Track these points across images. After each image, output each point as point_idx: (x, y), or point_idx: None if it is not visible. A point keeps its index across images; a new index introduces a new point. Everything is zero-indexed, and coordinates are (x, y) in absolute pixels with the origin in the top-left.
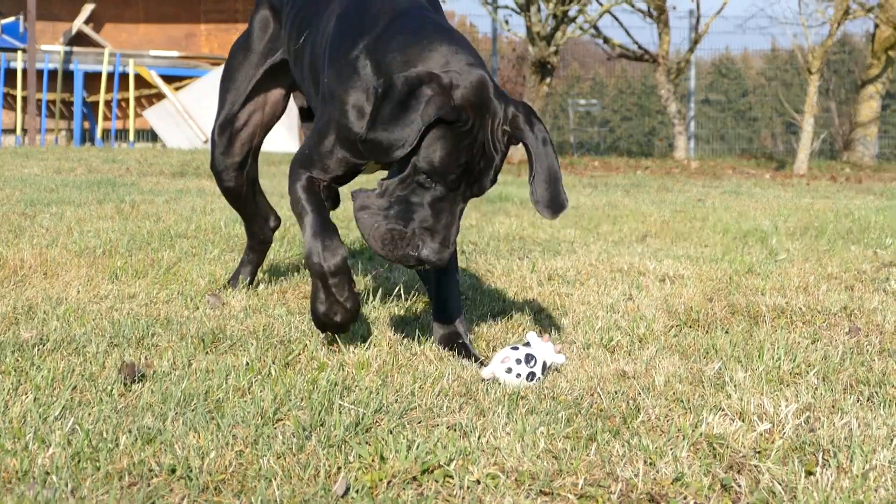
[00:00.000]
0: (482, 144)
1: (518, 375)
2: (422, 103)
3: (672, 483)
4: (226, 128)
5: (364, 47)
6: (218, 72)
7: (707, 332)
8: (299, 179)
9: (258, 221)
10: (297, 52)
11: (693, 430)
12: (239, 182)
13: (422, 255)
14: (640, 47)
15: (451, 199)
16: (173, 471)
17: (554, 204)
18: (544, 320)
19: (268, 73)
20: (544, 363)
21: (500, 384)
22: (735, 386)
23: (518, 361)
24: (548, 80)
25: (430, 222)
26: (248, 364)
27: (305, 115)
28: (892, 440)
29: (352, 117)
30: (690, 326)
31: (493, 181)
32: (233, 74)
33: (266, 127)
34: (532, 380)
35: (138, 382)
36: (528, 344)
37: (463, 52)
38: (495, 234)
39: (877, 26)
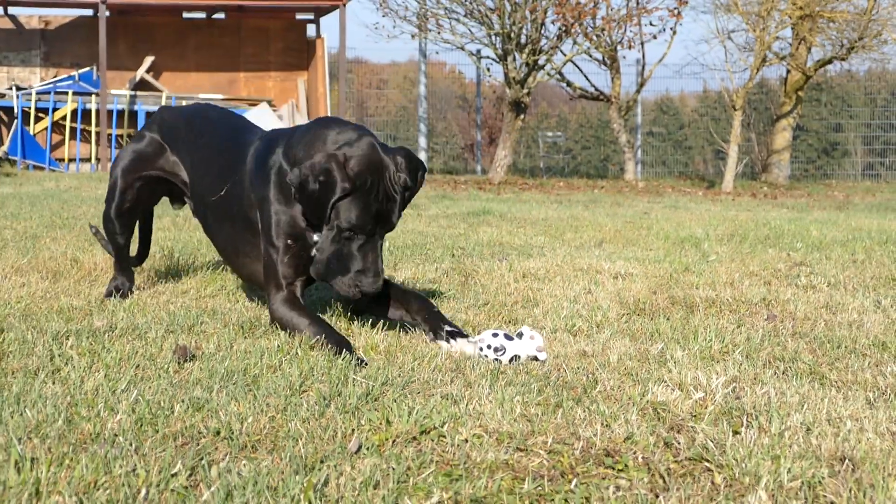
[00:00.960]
0: (385, 193)
1: (484, 357)
2: (325, 189)
3: (624, 441)
4: (120, 215)
5: (279, 154)
6: (255, 111)
7: (652, 319)
8: (277, 299)
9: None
10: (215, 203)
11: (641, 398)
12: (126, 238)
13: (364, 291)
14: (596, 89)
15: (371, 241)
16: (218, 433)
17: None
18: (520, 310)
19: (152, 178)
20: (516, 356)
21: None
22: (675, 362)
23: (489, 346)
24: (522, 116)
25: (360, 265)
26: (278, 346)
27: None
28: (803, 406)
29: (282, 204)
30: (638, 314)
31: (399, 216)
32: (125, 171)
33: (148, 206)
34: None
35: (189, 362)
36: (517, 336)
37: (348, 128)
38: (479, 240)
39: (788, 71)
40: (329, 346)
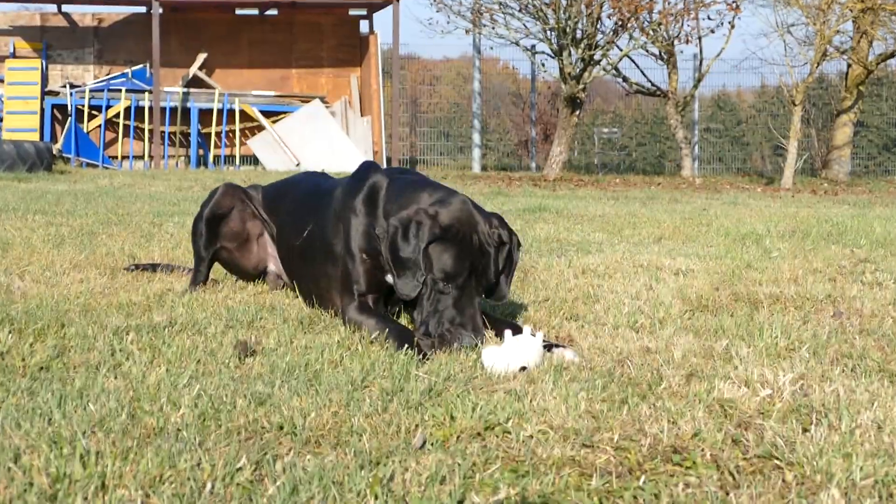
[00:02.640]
0: (478, 245)
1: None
2: (416, 236)
3: (692, 438)
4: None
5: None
6: (307, 108)
7: (715, 315)
8: (350, 307)
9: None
10: (296, 247)
11: (707, 395)
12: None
13: (464, 344)
14: (652, 85)
15: (467, 295)
16: (281, 427)
17: (498, 296)
18: (580, 306)
19: (255, 215)
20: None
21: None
22: (740, 359)
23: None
24: (577, 112)
25: (459, 318)
26: (339, 342)
27: None
28: (873, 403)
29: (362, 216)
30: (701, 311)
31: (496, 273)
32: (230, 186)
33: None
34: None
35: (250, 357)
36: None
37: (440, 189)
38: (536, 236)
39: (849, 66)
40: (392, 340)
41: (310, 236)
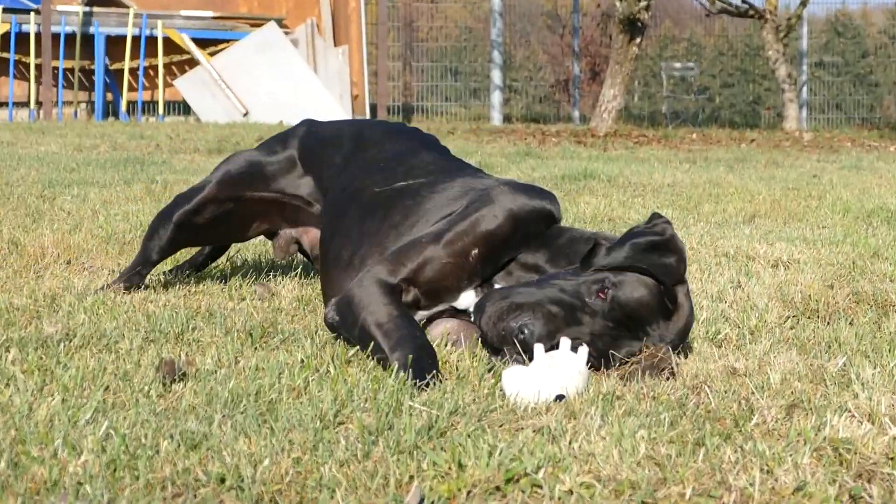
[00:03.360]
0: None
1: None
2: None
3: (793, 493)
4: (182, 225)
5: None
6: (259, 35)
7: (828, 323)
8: (370, 277)
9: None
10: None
11: (816, 434)
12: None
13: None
14: (743, 1)
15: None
16: (223, 480)
17: None
18: None
19: (260, 201)
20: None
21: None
22: (863, 384)
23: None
24: (637, 40)
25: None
26: (303, 361)
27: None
28: None
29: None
30: (809, 317)
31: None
32: (224, 181)
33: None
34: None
35: (179, 382)
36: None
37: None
38: (579, 214)
39: None
40: (403, 345)
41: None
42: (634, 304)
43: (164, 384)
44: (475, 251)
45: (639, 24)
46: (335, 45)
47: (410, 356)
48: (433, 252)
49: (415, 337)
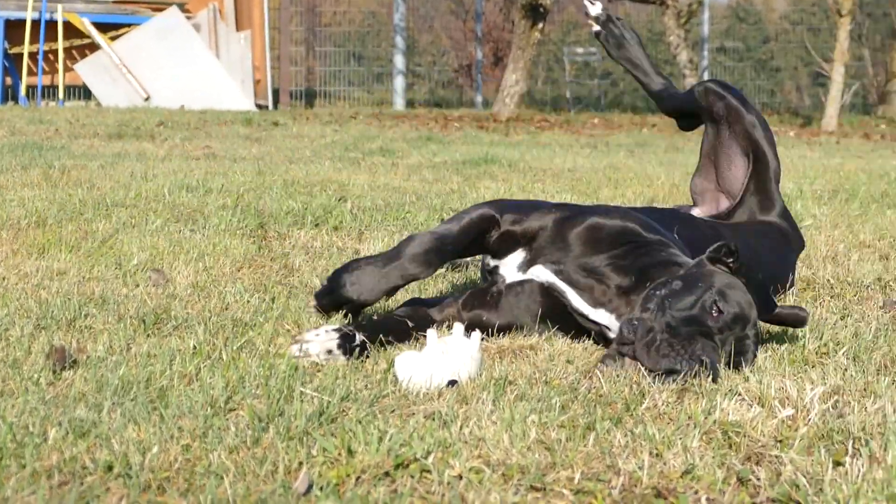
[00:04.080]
0: None
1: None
2: None
3: (681, 476)
4: None
5: None
6: (161, 19)
7: None
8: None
9: None
10: None
11: (705, 418)
12: None
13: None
14: None
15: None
16: (110, 468)
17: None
18: None
19: None
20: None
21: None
22: (754, 368)
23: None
24: (540, 25)
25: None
26: (195, 347)
27: None
28: None
29: None
30: None
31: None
32: None
33: None
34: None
35: (69, 369)
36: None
37: None
38: (479, 199)
39: None
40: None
41: None
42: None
43: (54, 372)
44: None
45: (541, 9)
46: (237, 30)
47: (406, 248)
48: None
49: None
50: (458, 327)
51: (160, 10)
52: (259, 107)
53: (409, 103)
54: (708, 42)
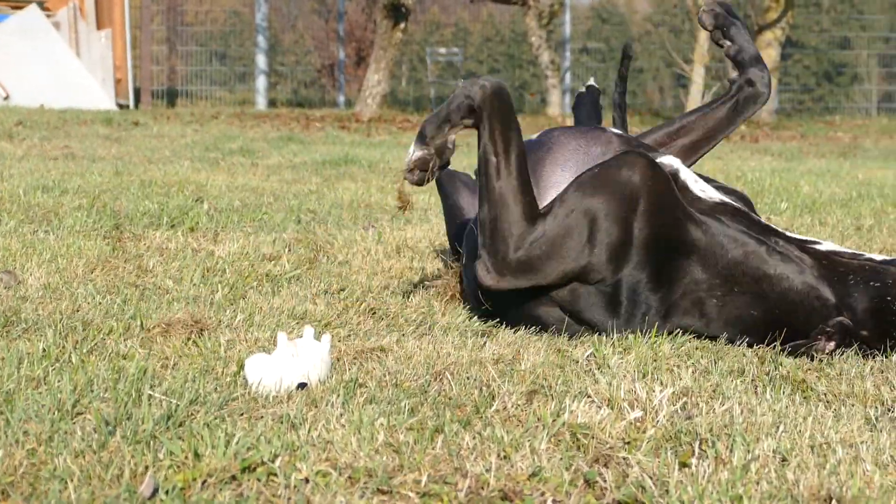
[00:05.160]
0: None
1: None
2: None
3: (528, 478)
4: None
5: None
6: (20, 18)
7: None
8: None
9: None
10: None
11: (554, 420)
12: None
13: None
14: None
15: None
16: None
17: None
18: (389, 298)
19: None
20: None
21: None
22: (605, 370)
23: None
24: (402, 25)
25: None
26: (44, 350)
27: None
28: (777, 427)
29: None
30: None
31: None
32: None
33: None
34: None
35: None
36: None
37: None
38: (338, 201)
39: None
40: None
41: None
42: None
43: None
44: None
45: (403, 9)
46: (98, 29)
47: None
48: None
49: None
50: (309, 330)
51: (20, 8)
52: (120, 106)
53: (272, 103)
54: (570, 43)
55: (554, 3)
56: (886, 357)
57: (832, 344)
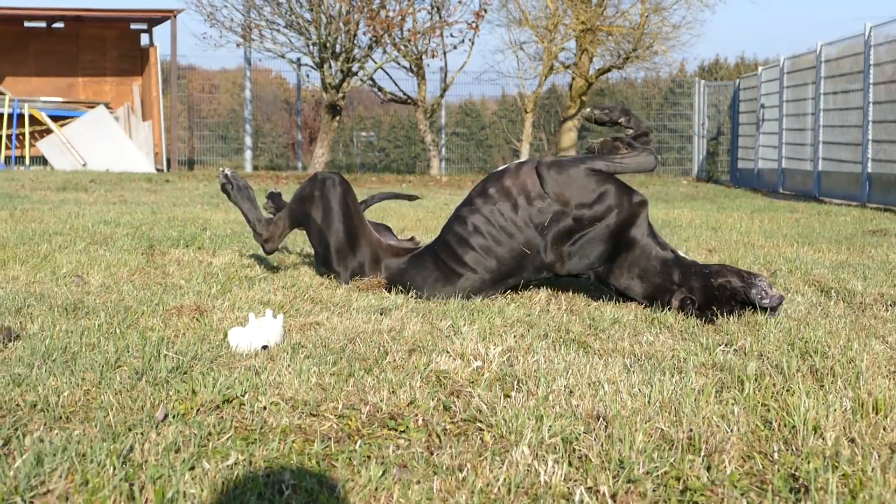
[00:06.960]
0: None
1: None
2: None
3: (408, 405)
4: None
5: None
6: (93, 113)
7: (443, 303)
8: None
9: None
10: None
11: (425, 367)
12: None
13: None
14: (404, 94)
15: None
16: (35, 405)
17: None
18: (324, 290)
19: None
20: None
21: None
22: (460, 336)
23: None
24: (337, 118)
25: None
26: (98, 326)
27: None
28: (567, 371)
29: None
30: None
31: None
32: None
33: None
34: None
35: (14, 341)
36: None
37: None
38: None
39: (573, 78)
40: None
41: None
42: None
43: (3, 343)
44: None
45: (338, 107)
46: (143, 120)
47: None
48: None
49: None
50: (269, 311)
51: (93, 107)
52: (157, 170)
53: (255, 167)
54: (445, 129)
55: (434, 103)
56: (709, 319)
57: (677, 303)
